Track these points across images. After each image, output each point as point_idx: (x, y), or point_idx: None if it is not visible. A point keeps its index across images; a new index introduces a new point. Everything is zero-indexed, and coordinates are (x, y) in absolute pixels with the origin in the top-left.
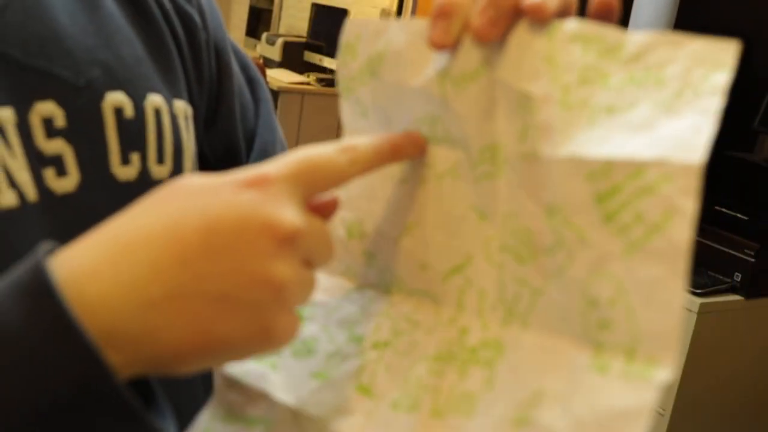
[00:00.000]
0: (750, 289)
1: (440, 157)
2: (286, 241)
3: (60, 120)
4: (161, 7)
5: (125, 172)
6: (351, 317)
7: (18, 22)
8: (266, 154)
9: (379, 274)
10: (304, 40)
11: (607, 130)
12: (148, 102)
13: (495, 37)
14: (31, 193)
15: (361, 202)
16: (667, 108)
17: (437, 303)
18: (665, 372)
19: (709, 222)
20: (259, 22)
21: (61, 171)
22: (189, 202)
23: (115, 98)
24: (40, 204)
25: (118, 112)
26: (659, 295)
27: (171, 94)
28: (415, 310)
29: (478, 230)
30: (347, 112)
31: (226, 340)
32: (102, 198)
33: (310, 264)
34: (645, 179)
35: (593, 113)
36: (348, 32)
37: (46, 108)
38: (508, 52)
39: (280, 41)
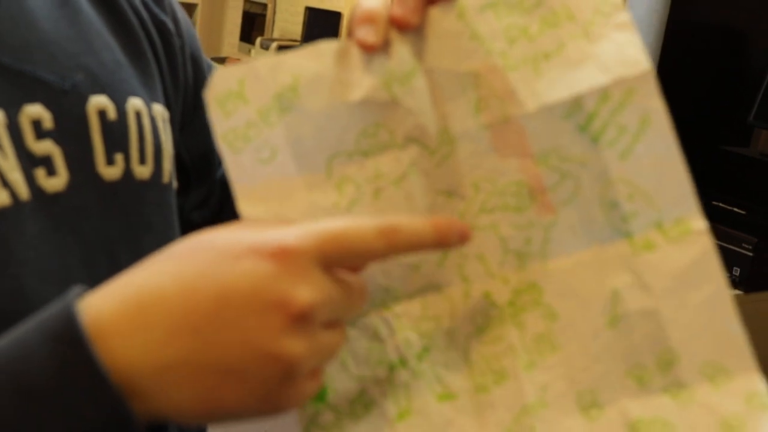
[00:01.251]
0: (749, 284)
1: (391, 163)
2: (299, 318)
3: (48, 122)
4: (137, 14)
5: (110, 172)
6: (368, 352)
7: (5, 29)
8: None
9: (371, 298)
10: (298, 43)
11: (557, 73)
12: (130, 105)
13: (415, 22)
14: (23, 192)
15: None
16: (588, 37)
17: (441, 289)
18: (699, 221)
19: (706, 217)
20: (253, 27)
21: (51, 171)
22: (207, 265)
23: (99, 101)
24: (32, 203)
25: (102, 114)
26: (665, 170)
27: (150, 98)
28: (425, 307)
29: (449, 209)
30: (239, 165)
31: (233, 409)
32: (90, 197)
33: (336, 323)
34: (614, 100)
35: (536, 64)
36: (224, 81)
37: (35, 110)
38: (434, 42)
39: (274, 45)
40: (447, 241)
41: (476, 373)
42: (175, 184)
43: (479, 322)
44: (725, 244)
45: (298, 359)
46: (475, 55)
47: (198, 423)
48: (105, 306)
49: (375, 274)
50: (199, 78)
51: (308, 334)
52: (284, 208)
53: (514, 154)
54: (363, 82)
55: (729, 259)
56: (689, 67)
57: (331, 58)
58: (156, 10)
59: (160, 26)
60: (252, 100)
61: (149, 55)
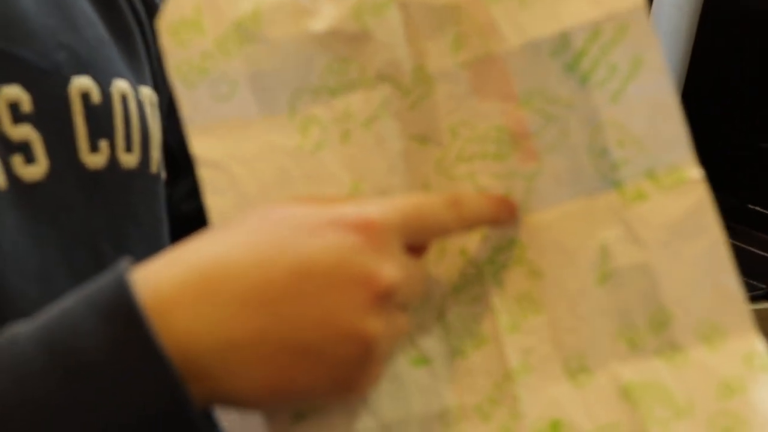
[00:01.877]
0: None
1: (360, 102)
2: (384, 295)
3: (26, 105)
4: None
5: (94, 160)
6: None
7: None
8: None
9: None
10: None
11: (543, 4)
12: (115, 87)
13: None
14: (0, 180)
15: (273, 192)
16: None
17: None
18: (694, 169)
19: (741, 222)
20: None
21: (30, 158)
22: (284, 237)
23: (82, 83)
24: (9, 192)
25: (85, 97)
26: (659, 114)
27: (137, 80)
28: None
29: (424, 156)
30: (194, 102)
31: (304, 390)
32: (71, 186)
33: (403, 308)
34: (605, 36)
35: None
36: (179, 8)
37: (12, 92)
38: None
39: None
40: (502, 216)
41: (453, 336)
42: (163, 174)
43: (455, 280)
44: (762, 253)
45: (378, 339)
46: None
47: (256, 407)
48: (164, 278)
49: None
50: None
51: (388, 314)
52: (242, 149)
53: (495, 96)
54: (330, 11)
55: (766, 269)
56: (726, 56)
57: None
58: None
59: (148, 4)
60: (209, 30)
61: (136, 35)
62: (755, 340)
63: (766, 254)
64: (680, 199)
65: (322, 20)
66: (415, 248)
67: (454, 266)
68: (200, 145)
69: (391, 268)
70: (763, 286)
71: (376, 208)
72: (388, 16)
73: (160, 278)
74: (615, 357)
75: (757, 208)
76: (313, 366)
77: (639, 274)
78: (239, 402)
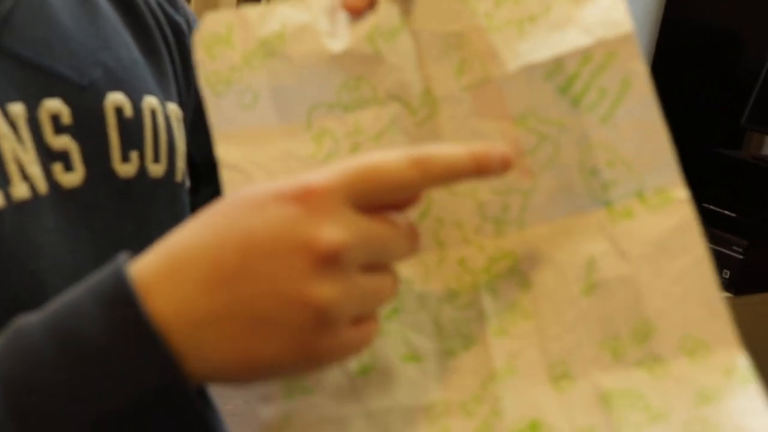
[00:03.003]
0: (739, 286)
1: (371, 119)
2: (327, 259)
3: (66, 117)
4: (153, 15)
5: (125, 169)
6: None
7: (27, 24)
8: None
9: None
10: None
11: (540, 35)
12: (145, 103)
13: None
14: (41, 186)
15: None
16: (575, 0)
17: (416, 253)
18: (680, 191)
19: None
20: None
21: (68, 166)
22: (233, 217)
23: (116, 98)
24: (49, 197)
25: (119, 111)
26: (646, 136)
27: (164, 96)
28: (397, 269)
29: None
30: (220, 109)
31: (270, 361)
32: (104, 193)
33: (382, 266)
34: (595, 61)
35: (520, 26)
36: (213, 25)
37: (54, 105)
38: (422, 4)
39: None
40: (487, 168)
41: (445, 337)
42: (187, 183)
43: (452, 287)
44: (716, 247)
45: (329, 304)
46: (460, 16)
47: (240, 383)
48: (148, 264)
49: None
50: None
51: (341, 277)
52: (261, 154)
53: (493, 117)
54: (347, 34)
55: (719, 262)
56: (682, 67)
57: (320, 11)
58: (171, 11)
59: (174, 27)
60: (238, 45)
61: (164, 54)
62: (738, 355)
63: (718, 248)
64: (666, 217)
65: (340, 42)
66: (398, 206)
67: (451, 274)
68: (223, 149)
69: (332, 231)
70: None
71: (319, 175)
72: (400, 41)
73: (146, 266)
74: (597, 365)
75: (711, 207)
76: (272, 336)
77: (623, 286)
78: (220, 378)
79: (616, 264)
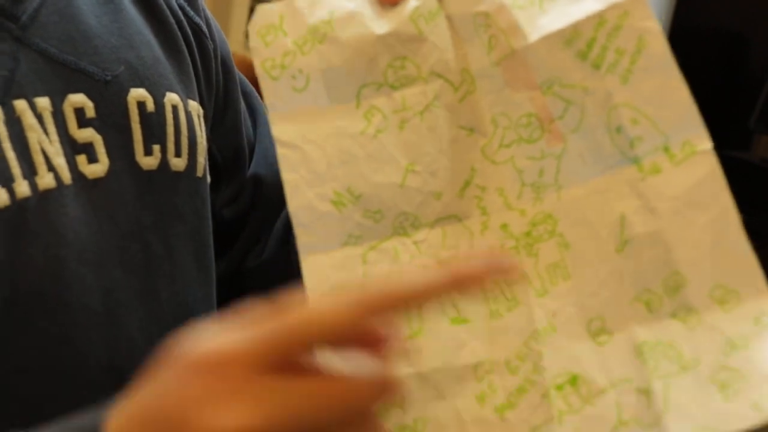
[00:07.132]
0: None
1: (417, 95)
2: None
3: (90, 111)
4: (175, 16)
5: (148, 162)
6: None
7: (53, 21)
8: (267, 158)
9: (392, 224)
10: None
11: (559, 8)
12: (167, 99)
13: None
14: (66, 176)
15: (339, 169)
16: None
17: (461, 220)
18: (705, 142)
19: None
20: None
21: (92, 158)
22: (156, 385)
23: (138, 93)
24: (73, 187)
25: (141, 105)
26: (666, 92)
27: (186, 94)
28: (445, 236)
29: (471, 144)
30: (275, 92)
31: None
32: (127, 184)
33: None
34: (609, 23)
35: (541, 3)
36: (266, 16)
37: (78, 99)
38: None
39: None
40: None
41: (490, 300)
42: (208, 178)
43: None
44: None
45: None
46: None
47: None
48: (118, 417)
49: (396, 199)
50: (228, 80)
51: None
52: (314, 132)
53: (523, 86)
54: (391, 17)
55: None
56: (692, 71)
57: (364, 1)
58: (191, 13)
59: (195, 28)
60: (290, 33)
61: (185, 54)
62: None
63: None
64: (691, 170)
65: (385, 24)
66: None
67: (495, 239)
68: (279, 128)
69: (237, 415)
70: None
71: (242, 334)
72: (438, 23)
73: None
74: (634, 319)
75: None
76: None
77: (654, 241)
78: None
79: (646, 220)
